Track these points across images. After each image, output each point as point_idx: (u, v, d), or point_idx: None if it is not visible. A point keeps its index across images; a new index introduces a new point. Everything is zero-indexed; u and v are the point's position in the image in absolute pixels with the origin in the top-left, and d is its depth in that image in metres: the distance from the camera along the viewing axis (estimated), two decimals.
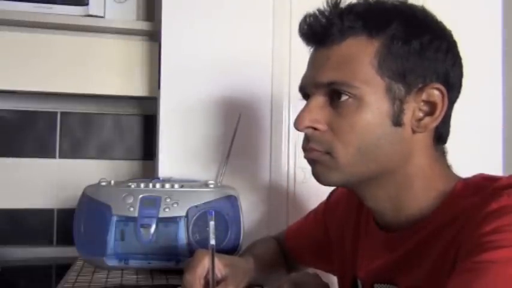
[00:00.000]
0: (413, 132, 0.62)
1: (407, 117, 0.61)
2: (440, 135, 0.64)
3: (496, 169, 1.33)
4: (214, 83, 1.19)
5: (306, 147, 0.65)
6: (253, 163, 1.21)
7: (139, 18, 1.36)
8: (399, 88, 0.61)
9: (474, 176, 0.63)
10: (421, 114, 0.62)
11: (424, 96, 0.61)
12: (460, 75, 0.65)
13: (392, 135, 0.61)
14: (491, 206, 0.54)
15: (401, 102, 0.61)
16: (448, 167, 0.66)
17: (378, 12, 0.62)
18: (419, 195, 0.64)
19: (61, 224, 1.39)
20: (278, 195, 1.22)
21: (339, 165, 0.62)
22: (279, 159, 1.21)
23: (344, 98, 0.61)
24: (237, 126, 1.06)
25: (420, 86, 0.61)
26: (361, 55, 0.61)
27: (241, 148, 1.18)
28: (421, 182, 0.64)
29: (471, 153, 1.28)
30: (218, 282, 0.71)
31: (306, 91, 0.66)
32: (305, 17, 0.65)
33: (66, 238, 1.31)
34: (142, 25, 1.30)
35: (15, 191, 1.37)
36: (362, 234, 0.76)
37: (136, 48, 1.31)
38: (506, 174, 0.61)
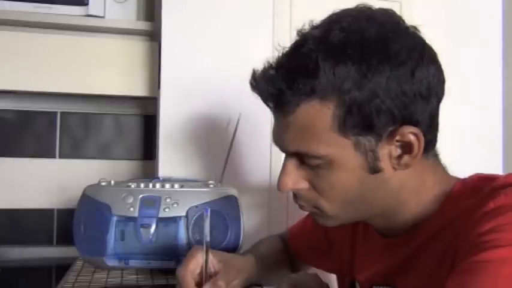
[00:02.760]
0: (395, 170, 0.60)
1: (384, 162, 0.59)
2: (429, 144, 0.60)
3: (496, 169, 1.33)
4: (215, 82, 1.19)
5: (296, 203, 0.66)
6: (254, 163, 1.21)
7: (139, 18, 1.36)
8: (368, 140, 0.57)
9: (471, 177, 0.63)
10: (399, 151, 0.59)
11: (397, 137, 0.57)
12: (437, 77, 0.60)
13: (374, 183, 0.60)
14: (488, 205, 0.54)
15: (374, 151, 0.58)
16: (442, 170, 0.65)
17: (324, 65, 0.55)
18: (415, 207, 0.63)
19: (61, 224, 1.39)
20: (278, 195, 1.21)
21: (330, 217, 0.64)
22: (279, 159, 1.21)
23: (315, 162, 0.60)
24: (237, 126, 1.06)
25: (390, 129, 0.57)
26: (319, 122, 0.57)
27: (242, 148, 1.18)
28: (414, 199, 0.63)
29: (471, 153, 1.28)
30: (212, 278, 0.70)
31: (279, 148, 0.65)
32: (253, 77, 0.61)
33: (66, 238, 1.30)
34: (142, 25, 1.30)
35: (15, 191, 1.37)
36: (360, 237, 0.76)
37: (136, 48, 1.31)
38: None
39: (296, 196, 0.65)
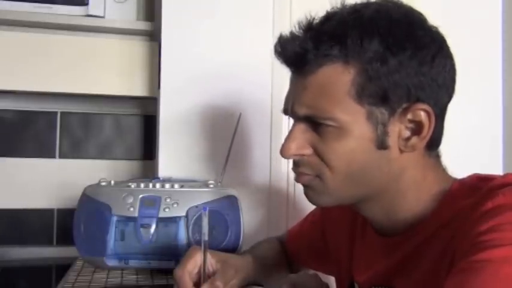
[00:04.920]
0: (401, 152, 0.61)
1: (392, 140, 0.60)
2: (433, 142, 0.62)
3: (496, 169, 1.33)
4: (215, 83, 1.19)
5: (296, 172, 0.65)
6: (254, 163, 1.21)
7: (139, 18, 1.36)
8: (381, 112, 0.59)
9: (469, 177, 0.63)
10: (408, 133, 0.60)
11: (409, 116, 0.59)
12: (452, 74, 0.62)
13: (379, 159, 0.60)
14: (486, 205, 0.54)
15: (385, 125, 0.59)
16: (443, 170, 0.66)
17: (353, 33, 0.58)
18: (414, 203, 0.63)
19: (61, 224, 1.39)
20: (278, 195, 1.22)
21: (329, 190, 0.63)
22: (279, 159, 1.21)
23: (325, 126, 0.60)
24: (237, 126, 1.06)
25: (404, 106, 0.59)
26: (338, 85, 0.58)
27: (242, 148, 1.18)
28: (414, 192, 0.63)
29: (471, 153, 1.28)
30: (210, 277, 0.71)
31: (288, 115, 0.66)
32: (279, 40, 0.62)
33: (66, 238, 1.30)
34: (142, 25, 1.30)
35: (15, 191, 1.37)
36: (358, 237, 0.75)
37: (136, 48, 1.31)
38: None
39: (296, 164, 0.64)
